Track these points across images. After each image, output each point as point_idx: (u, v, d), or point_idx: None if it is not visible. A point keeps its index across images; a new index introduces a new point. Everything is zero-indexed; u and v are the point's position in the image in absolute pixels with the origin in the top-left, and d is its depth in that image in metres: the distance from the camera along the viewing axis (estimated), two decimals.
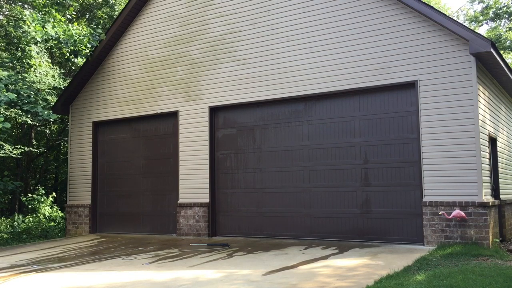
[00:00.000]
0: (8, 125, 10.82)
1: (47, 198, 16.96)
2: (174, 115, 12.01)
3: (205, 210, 11.24)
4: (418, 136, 9.05)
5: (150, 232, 12.19)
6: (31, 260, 8.93)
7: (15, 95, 11.59)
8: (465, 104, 8.64)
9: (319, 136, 10.22)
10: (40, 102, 13.36)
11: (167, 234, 11.88)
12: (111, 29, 12.87)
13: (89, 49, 12.91)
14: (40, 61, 14.19)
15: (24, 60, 13.97)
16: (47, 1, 13.37)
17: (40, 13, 13.48)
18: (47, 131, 20.08)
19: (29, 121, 15.06)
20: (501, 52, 26.30)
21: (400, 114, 9.41)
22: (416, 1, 9.00)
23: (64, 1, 15.63)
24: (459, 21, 26.67)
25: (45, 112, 12.71)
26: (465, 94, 8.65)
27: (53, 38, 12.60)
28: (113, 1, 20.16)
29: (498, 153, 10.29)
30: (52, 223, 15.93)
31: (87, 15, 20.74)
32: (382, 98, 9.60)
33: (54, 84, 14.89)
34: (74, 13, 16.87)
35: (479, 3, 29.59)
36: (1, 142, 14.25)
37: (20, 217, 16.05)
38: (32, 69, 14.06)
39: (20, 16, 13.32)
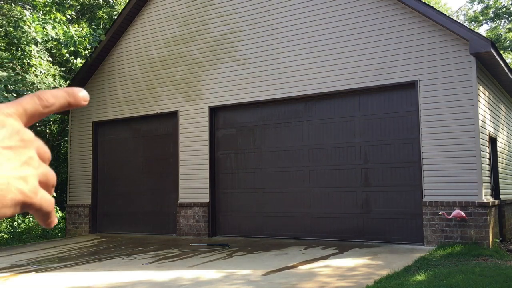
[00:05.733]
0: None
1: None
2: (174, 115, 12.01)
3: (205, 210, 11.24)
4: (418, 136, 9.04)
5: (150, 232, 12.19)
6: (31, 260, 8.93)
7: (14, 96, 11.59)
8: (465, 104, 8.64)
9: (319, 136, 10.21)
10: None
11: (167, 234, 11.87)
12: (111, 29, 12.87)
13: (89, 50, 12.91)
14: (40, 61, 14.19)
15: (24, 60, 13.98)
16: (48, 1, 13.36)
17: (41, 13, 13.49)
18: (47, 131, 20.08)
19: None
20: (501, 52, 26.29)
21: (400, 114, 9.40)
22: (416, 1, 9.00)
23: (64, 1, 15.64)
24: (459, 21, 26.66)
25: None
26: (465, 94, 8.65)
27: (53, 39, 12.60)
28: (113, 1, 20.17)
29: (498, 153, 10.29)
30: None
31: (87, 15, 20.74)
32: (382, 98, 9.60)
33: (54, 85, 14.89)
34: (74, 13, 16.88)
35: (479, 3, 29.59)
36: None
37: (20, 217, 16.06)
38: (33, 69, 14.07)
39: (21, 16, 13.32)
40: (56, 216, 0.59)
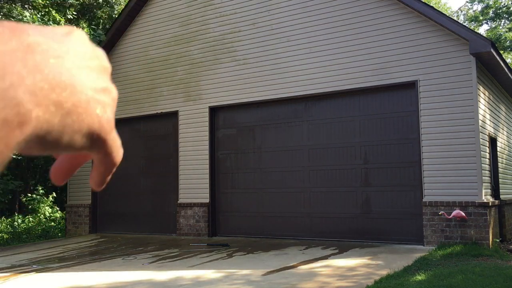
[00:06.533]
0: None
1: (47, 198, 16.97)
2: (174, 115, 12.01)
3: (205, 210, 11.24)
4: (418, 136, 9.04)
5: (150, 232, 12.18)
6: (31, 260, 8.93)
7: None
8: (465, 104, 8.64)
9: (319, 136, 10.21)
10: None
11: (167, 234, 11.87)
12: (111, 29, 12.87)
13: None
14: None
15: None
16: (47, 2, 13.37)
17: (40, 14, 13.49)
18: None
19: None
20: (501, 52, 26.29)
21: (400, 114, 9.40)
22: (416, 1, 9.00)
23: (64, 2, 15.65)
24: (459, 21, 26.67)
25: None
26: (465, 94, 8.65)
27: None
28: (113, 1, 20.17)
29: (498, 153, 10.29)
30: (52, 223, 15.94)
31: (87, 15, 20.74)
32: (382, 98, 9.60)
33: None
34: (74, 13, 16.90)
35: (479, 3, 29.61)
36: None
37: (20, 217, 16.06)
38: None
39: (20, 17, 13.32)
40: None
